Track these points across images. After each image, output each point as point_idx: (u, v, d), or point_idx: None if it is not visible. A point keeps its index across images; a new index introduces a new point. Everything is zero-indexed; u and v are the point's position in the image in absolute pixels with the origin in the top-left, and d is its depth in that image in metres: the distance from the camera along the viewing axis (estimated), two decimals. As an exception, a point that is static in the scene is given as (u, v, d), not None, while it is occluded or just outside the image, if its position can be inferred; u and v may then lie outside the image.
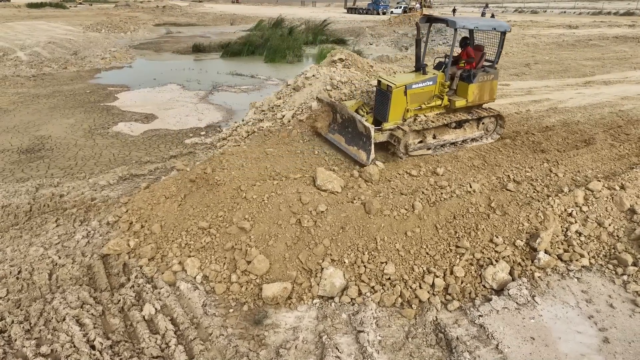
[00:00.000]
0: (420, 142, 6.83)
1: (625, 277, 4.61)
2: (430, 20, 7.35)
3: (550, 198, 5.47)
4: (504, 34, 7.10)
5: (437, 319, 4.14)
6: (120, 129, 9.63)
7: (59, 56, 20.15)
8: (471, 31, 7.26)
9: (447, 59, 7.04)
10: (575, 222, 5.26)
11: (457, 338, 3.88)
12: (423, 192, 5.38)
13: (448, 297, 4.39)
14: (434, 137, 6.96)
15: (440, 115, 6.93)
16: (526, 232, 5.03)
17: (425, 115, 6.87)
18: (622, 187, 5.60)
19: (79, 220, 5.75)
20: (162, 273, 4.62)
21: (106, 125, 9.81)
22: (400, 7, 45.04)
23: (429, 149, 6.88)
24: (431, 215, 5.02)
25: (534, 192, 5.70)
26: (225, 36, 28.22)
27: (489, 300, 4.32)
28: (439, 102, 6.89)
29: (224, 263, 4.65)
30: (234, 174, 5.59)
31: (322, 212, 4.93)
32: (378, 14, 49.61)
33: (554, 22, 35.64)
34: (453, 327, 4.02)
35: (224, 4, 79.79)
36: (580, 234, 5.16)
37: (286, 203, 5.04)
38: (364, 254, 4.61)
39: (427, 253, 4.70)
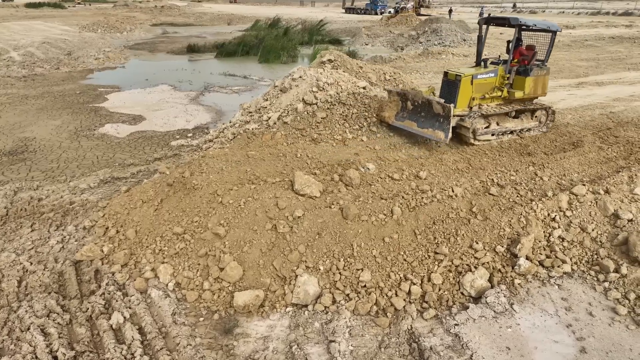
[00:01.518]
0: (486, 127, 7.46)
1: (606, 284, 4.52)
2: (490, 20, 7.99)
3: (534, 202, 5.38)
4: (554, 33, 7.79)
5: (412, 327, 4.04)
6: (106, 131, 9.54)
7: (53, 56, 20.05)
8: (520, 32, 7.77)
9: (499, 57, 8.03)
10: (559, 227, 5.17)
11: (431, 348, 3.79)
12: (403, 197, 5.29)
13: (425, 305, 4.30)
14: (497, 124, 7.58)
15: (501, 106, 7.59)
16: (507, 238, 4.94)
17: (487, 105, 7.54)
18: (607, 192, 5.50)
19: (55, 225, 5.65)
20: (134, 280, 4.53)
21: (92, 127, 9.71)
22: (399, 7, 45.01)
23: (493, 134, 7.50)
24: (410, 220, 4.92)
25: (517, 196, 5.61)
26: (221, 36, 28.12)
27: (466, 308, 4.23)
28: (499, 93, 7.59)
29: (197, 270, 4.55)
30: (212, 178, 5.50)
31: (298, 217, 4.84)
32: (376, 14, 49.49)
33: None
34: (427, 337, 3.92)
35: (222, 4, 79.71)
36: (563, 239, 5.07)
37: (263, 208, 4.95)
38: (339, 261, 4.51)
39: (405, 259, 4.61)
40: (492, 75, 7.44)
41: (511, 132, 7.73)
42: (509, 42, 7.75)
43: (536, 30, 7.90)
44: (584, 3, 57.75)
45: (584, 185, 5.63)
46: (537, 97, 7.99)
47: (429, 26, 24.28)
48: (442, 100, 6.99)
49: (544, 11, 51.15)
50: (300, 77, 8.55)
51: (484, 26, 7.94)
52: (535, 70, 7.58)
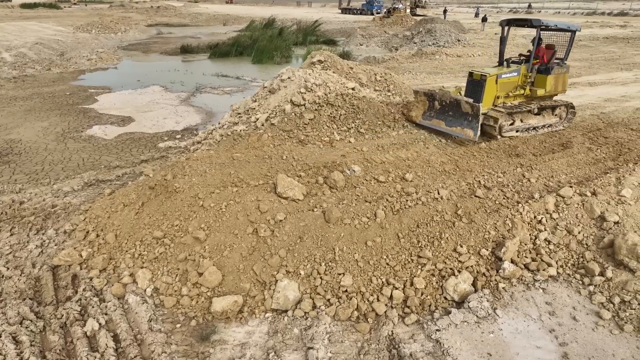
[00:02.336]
0: (511, 124, 7.75)
1: (591, 288, 4.46)
2: (511, 22, 8.27)
3: (520, 205, 5.32)
4: (574, 33, 8.14)
5: (392, 333, 3.97)
6: (94, 133, 9.44)
7: (45, 57, 19.93)
8: (539, 32, 7.94)
9: (521, 57, 8.32)
10: (545, 229, 5.11)
11: (411, 355, 3.72)
12: (387, 200, 5.22)
13: (407, 310, 4.23)
14: (521, 121, 7.87)
15: (524, 103, 7.90)
16: (492, 241, 4.88)
17: (511, 103, 7.90)
18: (594, 193, 5.45)
19: (35, 228, 5.55)
20: (112, 285, 4.44)
21: (80, 129, 9.61)
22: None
23: (517, 131, 7.78)
24: (394, 223, 4.85)
25: (503, 198, 5.55)
26: (216, 37, 28.02)
27: (449, 313, 4.16)
28: (522, 91, 7.93)
29: (176, 275, 4.47)
30: (194, 181, 5.41)
31: (280, 221, 4.76)
32: (372, 14, 49.44)
33: (546, 22, 35.55)
34: (408, 343, 3.85)
35: (219, 4, 79.58)
36: (549, 242, 5.01)
37: (244, 211, 4.87)
38: (321, 265, 4.44)
39: (388, 264, 4.54)
40: (515, 74, 7.77)
41: (534, 128, 8.01)
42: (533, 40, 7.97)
43: (556, 30, 8.14)
44: (580, 3, 57.88)
45: (571, 187, 5.57)
46: (557, 94, 8.30)
47: (423, 26, 24.25)
48: (470, 100, 7.24)
49: (539, 11, 51.22)
50: (288, 78, 8.48)
51: (506, 27, 8.18)
52: (556, 68, 7.90)
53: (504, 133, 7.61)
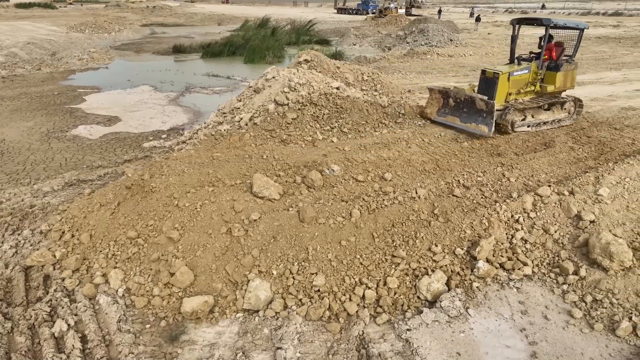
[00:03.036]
0: (523, 119, 7.98)
1: (565, 287, 4.45)
2: (521, 21, 8.53)
3: (498, 204, 5.31)
4: (582, 31, 8.38)
5: (363, 333, 3.95)
6: (79, 132, 9.39)
7: (36, 57, 19.85)
8: (549, 30, 8.08)
9: (531, 54, 8.56)
10: (522, 228, 5.10)
11: (379, 354, 3.70)
12: (364, 199, 5.20)
13: (379, 309, 4.21)
14: (532, 117, 8.10)
15: (534, 100, 8.12)
16: (468, 240, 4.87)
17: (522, 99, 8.11)
18: (572, 193, 5.45)
19: (11, 229, 5.52)
20: (84, 286, 4.41)
21: (65, 129, 9.57)
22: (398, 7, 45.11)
23: (528, 126, 8.00)
24: (369, 223, 4.84)
25: (481, 197, 5.54)
26: (210, 37, 27.95)
27: (420, 312, 4.15)
28: (532, 88, 8.15)
29: (149, 275, 4.45)
30: (171, 181, 5.39)
31: (254, 220, 4.74)
32: (367, 14, 49.45)
33: (540, 22, 35.60)
34: (378, 343, 3.84)
35: (215, 4, 79.44)
36: (525, 241, 5.00)
37: (219, 211, 4.84)
38: (293, 265, 4.42)
39: (361, 263, 4.52)
40: (526, 71, 8.00)
41: (544, 123, 8.20)
42: (541, 38, 8.14)
43: (565, 28, 8.44)
44: (575, 3, 58.01)
45: (549, 186, 5.57)
46: (565, 90, 8.51)
47: (416, 26, 24.25)
48: (485, 97, 7.44)
49: (535, 11, 51.31)
50: (273, 77, 8.46)
51: (516, 26, 8.39)
52: (565, 65, 8.14)
53: (516, 128, 7.81)
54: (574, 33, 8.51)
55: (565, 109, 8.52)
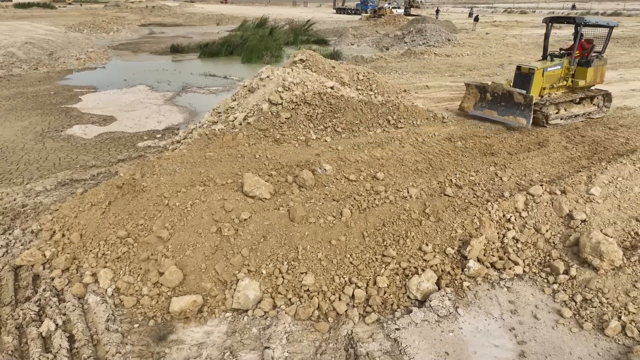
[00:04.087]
0: (556, 113, 8.33)
1: (555, 286, 4.45)
2: (554, 19, 9.02)
3: (490, 203, 5.31)
4: (612, 28, 8.84)
5: (352, 333, 3.94)
6: (73, 132, 9.38)
7: (34, 57, 19.83)
8: (577, 27, 8.48)
9: (561, 51, 9.08)
10: (513, 228, 5.10)
11: (367, 354, 3.69)
12: (355, 198, 5.19)
13: (368, 309, 4.20)
14: (565, 110, 8.50)
15: (566, 94, 8.62)
16: (459, 240, 4.87)
17: (555, 93, 8.63)
18: (564, 192, 5.44)
19: (2, 228, 5.50)
20: (73, 285, 4.40)
21: (60, 128, 9.55)
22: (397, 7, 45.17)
23: (562, 119, 8.41)
24: (359, 222, 4.83)
25: (473, 197, 5.53)
26: (208, 36, 27.94)
27: (410, 312, 4.14)
28: (564, 83, 8.67)
29: (138, 274, 4.43)
30: (162, 180, 5.38)
31: (244, 220, 4.73)
32: (366, 14, 49.46)
33: (538, 22, 35.61)
34: (366, 342, 3.83)
35: (214, 4, 79.45)
36: (517, 240, 5.00)
37: (209, 210, 4.83)
38: (283, 264, 4.41)
39: (351, 263, 4.51)
40: (559, 67, 8.49)
41: (576, 116, 8.62)
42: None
43: (596, 27, 8.80)
44: (575, 4, 58.00)
45: (541, 185, 5.56)
46: (594, 85, 8.99)
47: (414, 26, 24.25)
48: (523, 92, 7.94)
49: (534, 11, 51.33)
50: (267, 77, 8.44)
51: (549, 24, 8.92)
52: (595, 61, 8.63)
53: (551, 121, 8.18)
54: (601, 31, 8.84)
55: (594, 103, 8.91)
